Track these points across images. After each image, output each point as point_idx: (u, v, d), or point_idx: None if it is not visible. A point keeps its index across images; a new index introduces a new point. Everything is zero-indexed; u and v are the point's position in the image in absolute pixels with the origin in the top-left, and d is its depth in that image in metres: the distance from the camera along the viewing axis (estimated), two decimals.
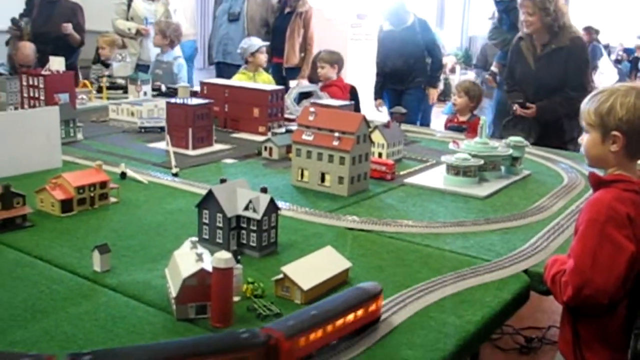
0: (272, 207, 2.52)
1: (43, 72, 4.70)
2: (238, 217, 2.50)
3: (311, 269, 2.25)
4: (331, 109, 3.88)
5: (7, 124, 3.48)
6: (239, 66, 8.06)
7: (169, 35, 7.23)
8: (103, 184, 3.04)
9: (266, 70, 7.10)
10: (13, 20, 7.97)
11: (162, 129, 4.50)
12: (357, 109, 5.69)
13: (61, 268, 2.40)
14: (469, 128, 5.24)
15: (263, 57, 6.76)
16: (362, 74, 9.40)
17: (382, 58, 7.07)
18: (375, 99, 7.21)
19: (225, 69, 8.41)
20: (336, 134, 3.32)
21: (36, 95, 4.62)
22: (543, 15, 5.00)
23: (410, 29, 6.86)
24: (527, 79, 5.29)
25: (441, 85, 8.15)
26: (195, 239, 2.20)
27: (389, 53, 6.94)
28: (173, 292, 2.04)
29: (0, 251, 2.54)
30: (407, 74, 6.88)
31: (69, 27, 8.02)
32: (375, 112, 7.11)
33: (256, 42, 6.68)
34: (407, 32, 6.86)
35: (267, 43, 7.05)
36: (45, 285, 2.25)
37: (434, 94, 7.03)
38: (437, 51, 7.06)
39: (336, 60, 6.52)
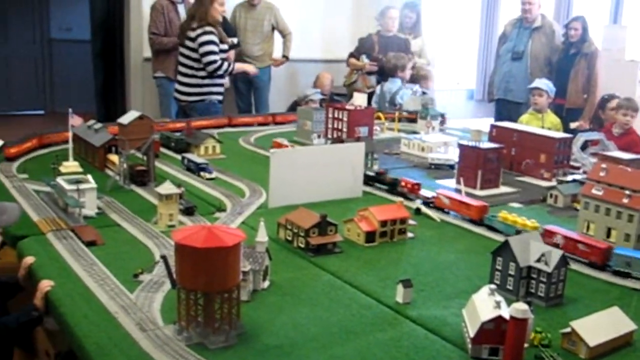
0: (563, 261, 2.68)
1: (347, 107, 5.17)
2: (529, 268, 2.69)
3: (598, 327, 2.39)
4: (623, 166, 3.92)
5: (320, 156, 3.95)
6: (519, 104, 8.20)
7: None
8: (403, 220, 3.36)
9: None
10: (372, 57, 8.62)
11: (451, 166, 4.78)
12: None
13: (367, 295, 2.74)
14: None
15: (543, 101, 6.85)
16: None
17: None
18: None
19: (505, 106, 8.55)
20: (627, 192, 3.38)
21: (339, 127, 5.10)
22: None
23: None
24: None
25: None
26: (493, 286, 2.42)
27: None
28: (470, 332, 2.28)
29: (316, 273, 2.94)
30: None
31: None
32: None
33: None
34: None
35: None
36: (356, 309, 2.59)
37: None
38: None
39: (636, 108, 6.35)
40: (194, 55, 6.78)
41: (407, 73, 8.01)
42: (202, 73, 6.82)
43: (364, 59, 8.47)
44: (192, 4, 7.12)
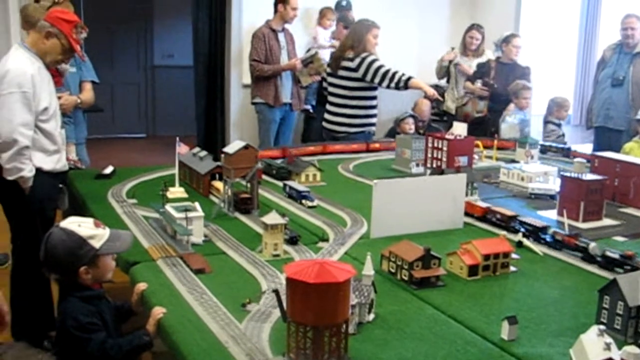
0: None
1: (447, 136, 5.19)
2: (639, 308, 2.65)
3: None
4: None
5: (422, 186, 3.98)
6: (620, 131, 8.02)
7: None
8: (506, 254, 3.36)
9: None
10: (484, 82, 8.71)
11: (552, 197, 4.73)
12: None
13: (472, 330, 2.74)
14: None
15: None
16: None
17: None
18: None
19: (605, 134, 8.36)
20: None
21: (439, 156, 5.11)
22: None
23: None
24: None
25: None
26: (603, 327, 2.40)
27: None
28: None
29: (420, 306, 2.97)
30: None
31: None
32: None
33: None
34: None
35: None
36: (461, 345, 2.60)
37: None
38: None
39: None
40: (350, 84, 7.05)
41: (523, 101, 8.00)
42: (358, 102, 7.09)
43: (477, 84, 8.55)
44: (345, 36, 7.55)
